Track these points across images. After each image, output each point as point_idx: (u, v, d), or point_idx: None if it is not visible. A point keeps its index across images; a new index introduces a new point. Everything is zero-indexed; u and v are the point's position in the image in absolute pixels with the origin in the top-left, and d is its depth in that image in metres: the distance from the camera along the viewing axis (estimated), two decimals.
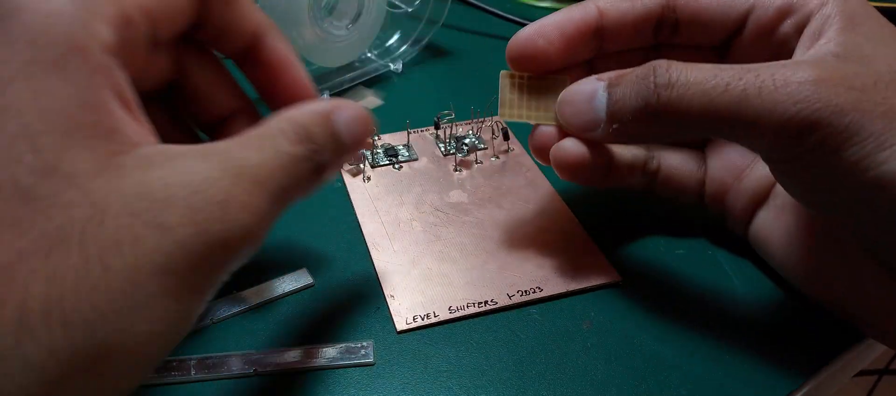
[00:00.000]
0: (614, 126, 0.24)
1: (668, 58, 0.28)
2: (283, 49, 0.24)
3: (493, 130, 0.37)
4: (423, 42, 0.46)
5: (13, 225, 0.15)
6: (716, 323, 0.26)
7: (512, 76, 0.27)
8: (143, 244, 0.16)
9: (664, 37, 0.28)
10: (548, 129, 0.27)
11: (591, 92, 0.25)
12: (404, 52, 0.46)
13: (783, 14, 0.25)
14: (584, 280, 0.27)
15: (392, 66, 0.45)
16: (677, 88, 0.22)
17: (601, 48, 0.28)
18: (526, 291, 0.27)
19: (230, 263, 0.18)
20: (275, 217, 0.19)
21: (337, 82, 0.42)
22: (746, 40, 0.26)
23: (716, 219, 0.30)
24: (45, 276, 0.15)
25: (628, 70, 0.24)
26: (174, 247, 0.16)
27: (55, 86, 0.17)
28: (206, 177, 0.17)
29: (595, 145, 0.26)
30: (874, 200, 0.21)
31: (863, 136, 0.20)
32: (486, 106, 0.38)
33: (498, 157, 0.36)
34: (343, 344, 0.25)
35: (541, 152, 0.27)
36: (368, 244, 0.29)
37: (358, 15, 0.41)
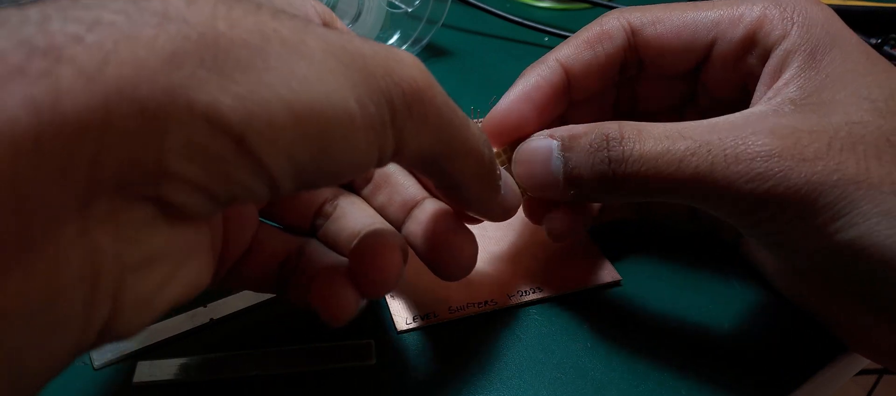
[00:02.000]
0: (572, 191, 0.24)
1: (637, 88, 0.29)
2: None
3: None
4: (423, 42, 0.46)
5: None
6: (715, 322, 0.26)
7: (497, 155, 0.26)
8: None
9: (631, 72, 0.27)
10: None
11: (545, 152, 0.24)
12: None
13: (746, 46, 0.25)
14: (585, 280, 0.27)
15: None
16: (631, 164, 0.22)
17: (571, 100, 0.27)
18: (526, 291, 0.27)
19: (397, 114, 0.17)
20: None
21: None
22: (713, 69, 0.26)
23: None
24: None
25: (581, 130, 0.23)
26: (353, 49, 0.17)
27: None
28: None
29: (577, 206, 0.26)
30: (836, 261, 0.21)
31: (816, 208, 0.20)
32: (486, 106, 0.38)
33: None
34: (343, 344, 0.25)
35: (533, 216, 0.28)
36: None
37: (358, 15, 0.41)
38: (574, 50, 0.27)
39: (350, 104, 0.16)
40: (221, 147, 0.14)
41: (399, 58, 0.17)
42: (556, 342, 0.25)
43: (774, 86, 0.23)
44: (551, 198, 0.25)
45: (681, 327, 0.26)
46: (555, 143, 0.24)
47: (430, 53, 0.48)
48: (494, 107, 0.26)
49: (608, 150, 0.22)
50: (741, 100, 0.25)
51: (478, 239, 0.29)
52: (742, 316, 0.26)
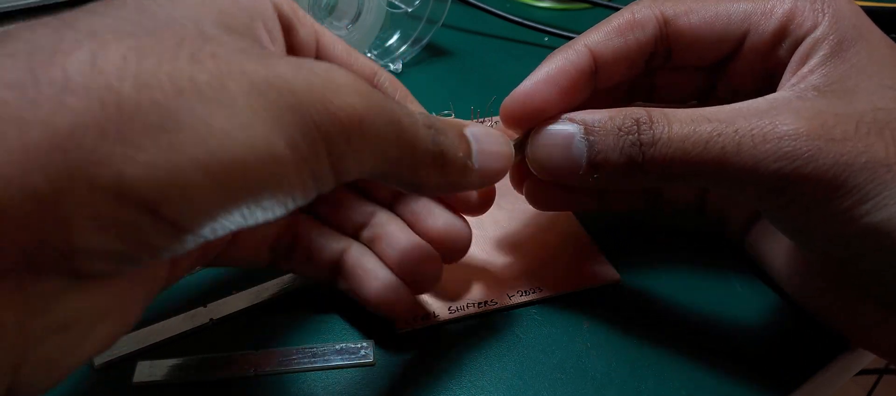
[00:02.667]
0: (595, 176, 0.23)
1: (657, 77, 0.28)
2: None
3: None
4: (423, 42, 0.46)
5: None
6: (716, 322, 0.26)
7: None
8: (254, 73, 0.16)
9: (658, 62, 0.27)
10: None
11: (566, 136, 0.24)
12: (404, 51, 0.46)
13: (778, 38, 0.25)
14: (584, 279, 0.27)
15: (392, 66, 0.45)
16: (660, 146, 0.22)
17: (599, 93, 0.27)
18: (526, 291, 0.27)
19: (334, 145, 0.17)
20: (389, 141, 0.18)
21: None
22: (741, 62, 0.26)
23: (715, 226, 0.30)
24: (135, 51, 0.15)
25: (605, 116, 0.23)
26: (281, 84, 0.16)
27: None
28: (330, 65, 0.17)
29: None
30: (858, 247, 0.21)
31: (845, 190, 0.20)
32: (486, 106, 0.38)
33: None
34: (343, 344, 0.25)
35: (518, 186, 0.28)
36: None
37: (358, 15, 0.41)
38: (604, 36, 0.26)
39: (277, 147, 0.15)
40: (134, 217, 0.14)
41: (336, 86, 0.17)
42: (556, 342, 0.25)
43: (798, 73, 0.23)
44: (569, 182, 0.24)
45: (681, 327, 0.26)
46: (577, 127, 0.23)
47: (431, 53, 0.48)
48: (516, 89, 0.26)
49: (639, 133, 0.22)
50: (762, 92, 0.25)
51: (477, 240, 0.29)
52: (742, 315, 0.26)
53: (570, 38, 0.46)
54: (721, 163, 0.21)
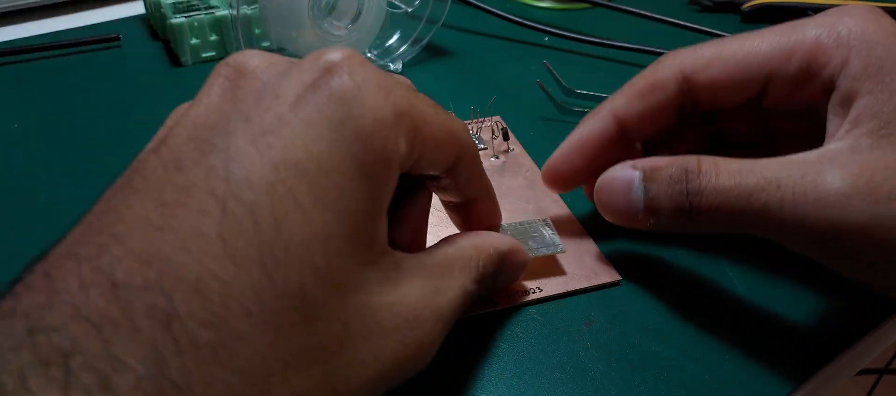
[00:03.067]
0: (652, 220, 0.25)
1: (718, 120, 0.29)
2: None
3: (493, 130, 0.37)
4: (423, 42, 0.46)
5: (282, 331, 0.15)
6: (715, 322, 0.26)
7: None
8: (360, 372, 0.17)
9: (689, 112, 0.28)
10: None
11: (627, 182, 0.25)
12: (404, 51, 0.46)
13: (802, 80, 0.24)
14: (584, 280, 0.27)
15: (392, 66, 0.45)
16: (706, 197, 0.23)
17: (629, 142, 0.28)
18: (525, 291, 0.27)
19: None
20: None
21: None
22: (773, 103, 0.26)
23: None
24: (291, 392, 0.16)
25: (662, 163, 0.24)
26: (376, 377, 0.18)
27: (358, 188, 0.17)
28: (419, 315, 0.19)
29: None
30: None
31: (887, 248, 0.20)
32: (486, 106, 0.38)
33: (498, 157, 0.36)
34: None
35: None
36: None
37: (358, 15, 0.41)
38: (626, 101, 0.27)
39: None
40: None
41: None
42: (556, 342, 0.25)
43: (848, 119, 0.23)
44: (630, 225, 0.26)
45: (680, 327, 0.26)
46: (637, 174, 0.25)
47: (430, 53, 0.48)
48: (551, 157, 0.29)
49: (686, 183, 0.23)
50: (806, 130, 0.26)
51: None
52: (741, 315, 0.26)
53: (569, 38, 0.47)
54: (764, 216, 0.22)
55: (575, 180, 0.29)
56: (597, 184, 0.26)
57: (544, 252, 0.27)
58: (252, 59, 0.19)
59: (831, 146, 0.23)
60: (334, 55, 0.18)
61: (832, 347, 0.25)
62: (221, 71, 0.19)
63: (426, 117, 0.20)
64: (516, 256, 0.25)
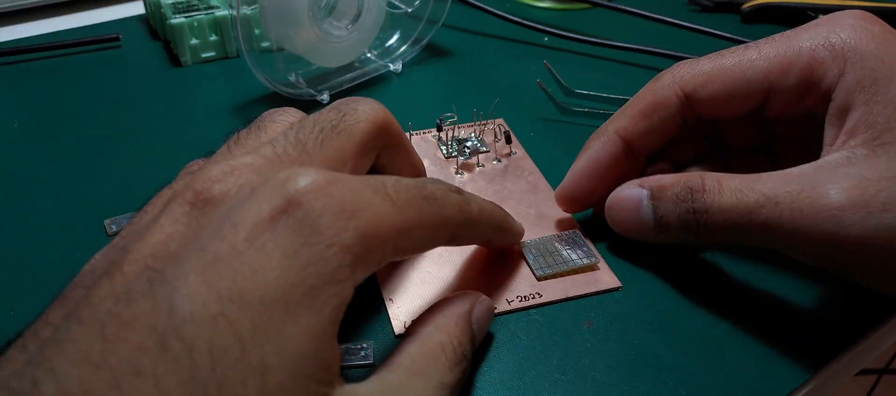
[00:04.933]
0: (662, 236, 0.26)
1: (721, 128, 0.30)
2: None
3: (495, 133, 0.37)
4: (423, 42, 0.46)
5: None
6: (715, 322, 0.26)
7: None
8: None
9: (691, 124, 0.28)
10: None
11: (636, 201, 0.26)
12: (404, 52, 0.46)
13: (801, 93, 0.25)
14: (584, 285, 0.27)
15: (392, 67, 0.45)
16: (711, 214, 0.24)
17: (634, 158, 0.29)
18: (525, 296, 0.27)
19: None
20: None
21: (336, 82, 0.42)
22: (773, 115, 0.27)
23: None
24: None
25: (668, 182, 0.25)
26: None
27: (307, 315, 0.16)
28: None
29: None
30: None
31: (886, 258, 0.20)
32: (488, 109, 0.38)
33: (500, 160, 0.35)
34: (343, 345, 0.25)
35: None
36: None
37: (358, 15, 0.41)
38: (630, 121, 0.28)
39: None
40: None
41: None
42: (556, 342, 0.25)
43: (844, 129, 0.23)
44: (642, 240, 0.27)
45: (680, 328, 0.26)
46: (645, 192, 0.26)
47: (431, 53, 0.48)
48: (563, 182, 0.30)
49: (692, 201, 0.24)
50: (812, 134, 0.26)
51: (475, 245, 0.29)
52: (741, 316, 0.26)
53: (569, 38, 0.47)
54: (765, 232, 0.22)
55: (587, 202, 0.30)
56: (607, 204, 0.27)
57: (580, 263, 0.28)
58: (217, 184, 0.18)
59: (828, 158, 0.23)
60: (299, 182, 0.17)
61: (832, 347, 0.25)
62: (187, 196, 0.18)
63: (406, 223, 0.19)
64: (481, 306, 0.23)
